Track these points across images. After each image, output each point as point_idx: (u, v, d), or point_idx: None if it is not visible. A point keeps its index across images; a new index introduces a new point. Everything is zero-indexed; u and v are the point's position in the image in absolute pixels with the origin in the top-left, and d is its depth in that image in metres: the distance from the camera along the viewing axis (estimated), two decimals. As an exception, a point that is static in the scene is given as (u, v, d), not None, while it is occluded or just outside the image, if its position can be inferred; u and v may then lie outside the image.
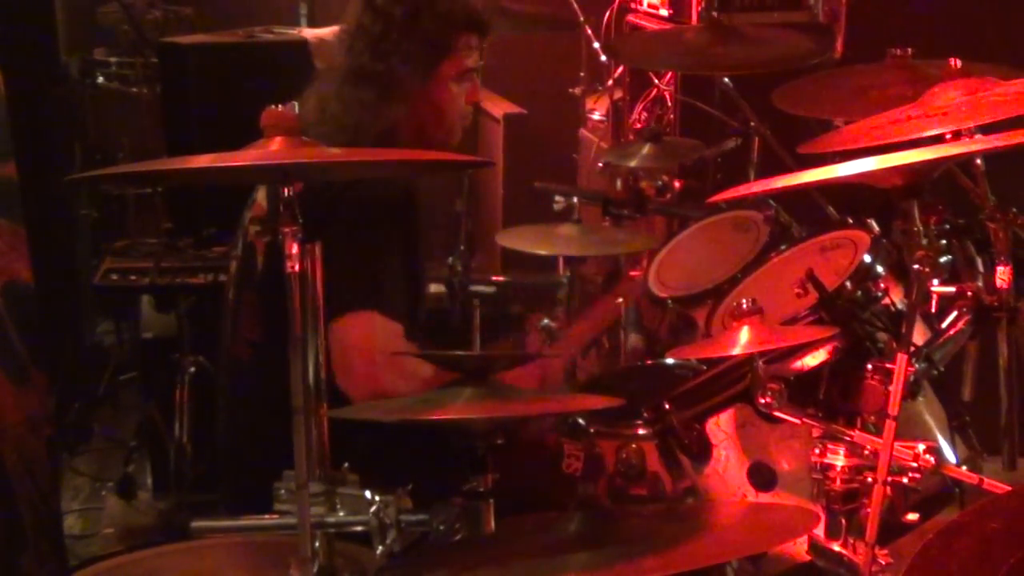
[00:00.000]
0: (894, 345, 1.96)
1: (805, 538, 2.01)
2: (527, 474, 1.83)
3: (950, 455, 2.19)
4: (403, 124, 2.49)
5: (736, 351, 1.94)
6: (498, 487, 1.78)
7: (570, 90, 4.75)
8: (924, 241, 1.81)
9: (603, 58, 4.42)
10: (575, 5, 4.34)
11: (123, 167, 1.81)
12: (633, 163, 3.08)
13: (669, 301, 2.67)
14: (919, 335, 2.14)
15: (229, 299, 2.63)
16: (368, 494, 1.77)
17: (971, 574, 1.39)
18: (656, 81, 3.94)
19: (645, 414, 2.20)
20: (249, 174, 1.75)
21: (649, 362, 2.67)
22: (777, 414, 2.02)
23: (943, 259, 2.21)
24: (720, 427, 2.22)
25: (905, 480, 1.88)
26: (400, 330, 2.36)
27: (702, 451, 2.19)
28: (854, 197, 2.40)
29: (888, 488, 1.80)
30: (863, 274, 2.25)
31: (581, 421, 2.25)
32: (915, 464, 1.88)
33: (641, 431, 2.20)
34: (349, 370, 2.29)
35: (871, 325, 2.14)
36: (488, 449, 1.75)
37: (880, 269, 2.26)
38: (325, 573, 1.73)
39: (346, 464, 2.10)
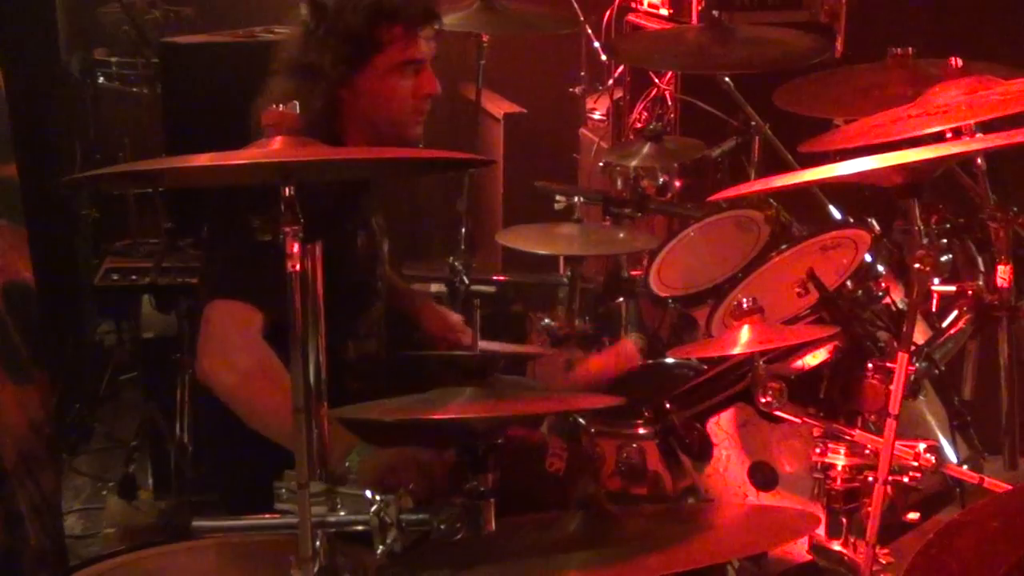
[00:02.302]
0: (895, 344, 1.96)
1: (806, 538, 2.01)
2: (512, 472, 1.83)
3: (951, 454, 2.19)
4: (348, 119, 2.47)
5: (737, 350, 1.94)
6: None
7: (570, 90, 4.76)
8: (924, 240, 1.80)
9: (603, 58, 4.43)
10: (575, 5, 4.34)
11: (123, 167, 1.80)
12: (634, 162, 3.08)
13: (670, 301, 2.67)
14: (920, 334, 2.14)
15: None
16: (369, 493, 1.76)
17: (972, 573, 1.39)
18: (656, 81, 3.94)
19: (645, 414, 2.19)
20: (249, 174, 1.75)
21: (649, 362, 2.67)
22: (778, 413, 2.02)
23: (943, 258, 2.21)
24: (721, 427, 2.22)
25: (906, 479, 1.88)
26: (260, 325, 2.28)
27: (703, 451, 2.18)
28: (855, 196, 2.40)
29: (889, 487, 1.80)
30: (864, 273, 2.25)
31: (581, 421, 2.25)
32: (916, 463, 1.88)
33: (641, 431, 2.20)
34: (201, 354, 2.28)
35: (872, 324, 2.14)
36: (488, 449, 1.75)
37: (881, 268, 2.26)
38: (326, 573, 1.72)
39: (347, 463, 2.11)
